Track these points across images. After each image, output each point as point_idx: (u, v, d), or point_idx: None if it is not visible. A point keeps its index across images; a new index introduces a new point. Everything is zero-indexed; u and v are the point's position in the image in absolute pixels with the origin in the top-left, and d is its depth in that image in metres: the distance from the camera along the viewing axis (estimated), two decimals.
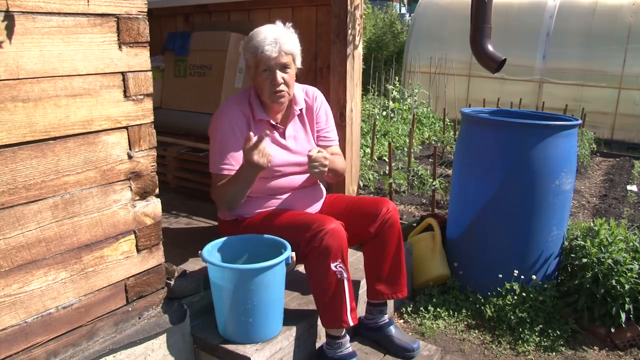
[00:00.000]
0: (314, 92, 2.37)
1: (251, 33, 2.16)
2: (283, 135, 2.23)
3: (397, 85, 7.99)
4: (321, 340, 2.20)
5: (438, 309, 2.70)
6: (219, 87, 3.23)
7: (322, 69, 3.00)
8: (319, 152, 2.06)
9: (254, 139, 1.95)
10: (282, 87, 2.12)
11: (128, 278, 1.79)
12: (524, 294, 2.62)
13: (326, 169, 2.06)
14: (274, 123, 2.22)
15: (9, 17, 1.37)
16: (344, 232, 2.03)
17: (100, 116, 1.62)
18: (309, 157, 2.04)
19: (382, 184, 4.55)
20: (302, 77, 2.36)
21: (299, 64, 2.21)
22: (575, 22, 7.78)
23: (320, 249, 1.96)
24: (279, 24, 2.16)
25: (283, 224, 2.10)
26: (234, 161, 2.13)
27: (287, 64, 2.12)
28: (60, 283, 1.60)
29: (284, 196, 2.23)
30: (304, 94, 2.33)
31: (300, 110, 2.29)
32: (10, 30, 1.38)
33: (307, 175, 2.27)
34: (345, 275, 2.00)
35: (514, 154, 2.61)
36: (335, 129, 2.41)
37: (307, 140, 2.29)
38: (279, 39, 2.09)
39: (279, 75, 2.10)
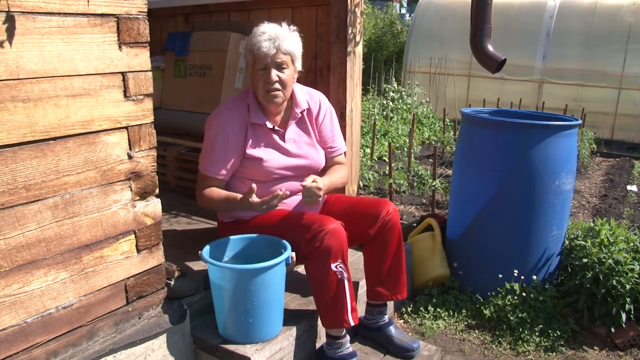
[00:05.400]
0: (319, 97, 2.33)
1: (252, 31, 2.14)
2: (283, 138, 2.22)
3: (396, 86, 8.00)
4: (321, 340, 2.20)
5: (438, 309, 2.70)
6: (219, 87, 3.23)
7: (322, 69, 3.00)
8: (313, 181, 2.05)
9: (279, 193, 1.96)
10: (277, 85, 2.09)
11: (128, 278, 1.79)
12: (524, 294, 2.62)
13: (320, 199, 2.06)
14: (271, 126, 2.19)
15: (10, 17, 1.37)
16: (344, 233, 2.03)
17: (100, 116, 1.62)
18: (303, 187, 2.04)
19: (382, 184, 4.55)
20: (302, 77, 2.35)
21: (299, 66, 2.18)
22: (575, 22, 7.78)
23: (321, 250, 1.96)
24: (283, 25, 2.14)
25: (283, 224, 2.10)
26: (223, 167, 2.14)
27: (284, 63, 2.09)
28: (60, 283, 1.60)
29: (284, 201, 2.21)
30: (307, 96, 2.30)
31: (302, 113, 2.25)
32: (10, 31, 1.38)
33: None
34: (345, 276, 2.00)
35: (514, 154, 2.61)
36: (341, 133, 2.40)
37: (310, 144, 2.27)
38: (277, 37, 2.07)
39: (274, 73, 2.08)
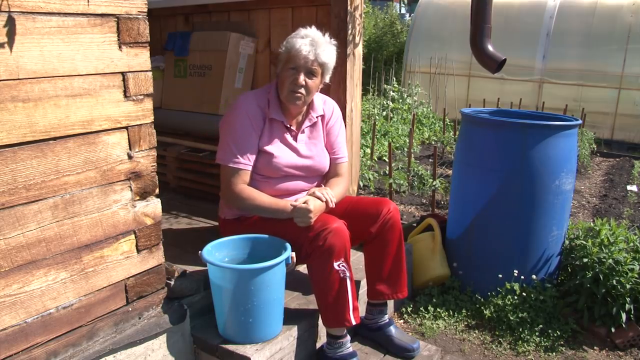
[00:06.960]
0: (334, 105, 2.38)
1: (296, 31, 2.17)
2: (295, 138, 2.24)
3: (396, 86, 8.00)
4: (321, 340, 2.20)
5: (438, 309, 2.70)
6: (219, 87, 3.23)
7: None
8: (304, 202, 2.04)
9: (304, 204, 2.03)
10: (302, 90, 2.12)
11: (128, 278, 1.79)
12: (524, 294, 2.62)
13: (311, 220, 2.03)
14: (287, 125, 2.22)
15: (10, 17, 1.37)
16: (347, 231, 2.04)
17: (101, 116, 1.62)
18: (293, 207, 2.05)
19: (383, 184, 4.55)
20: None
21: (327, 79, 2.22)
22: (575, 22, 7.78)
23: (324, 248, 1.97)
24: (325, 35, 2.17)
25: (285, 222, 2.10)
26: (251, 157, 2.15)
27: (315, 72, 2.13)
28: (60, 283, 1.60)
29: (289, 199, 2.22)
30: (322, 103, 2.34)
31: (317, 118, 2.29)
32: (10, 31, 1.38)
33: (314, 182, 2.30)
34: (348, 275, 2.01)
35: (514, 154, 2.61)
36: (345, 143, 2.40)
37: (319, 148, 2.30)
38: (318, 45, 2.11)
39: (302, 77, 2.11)
